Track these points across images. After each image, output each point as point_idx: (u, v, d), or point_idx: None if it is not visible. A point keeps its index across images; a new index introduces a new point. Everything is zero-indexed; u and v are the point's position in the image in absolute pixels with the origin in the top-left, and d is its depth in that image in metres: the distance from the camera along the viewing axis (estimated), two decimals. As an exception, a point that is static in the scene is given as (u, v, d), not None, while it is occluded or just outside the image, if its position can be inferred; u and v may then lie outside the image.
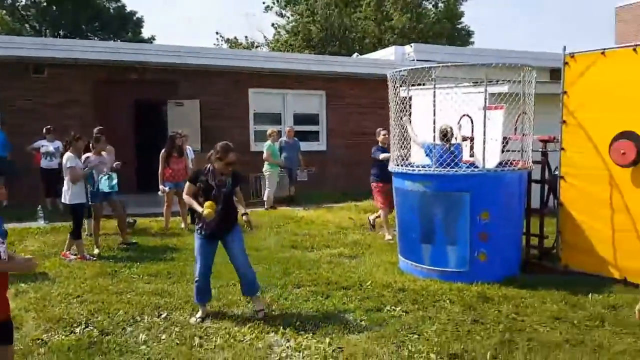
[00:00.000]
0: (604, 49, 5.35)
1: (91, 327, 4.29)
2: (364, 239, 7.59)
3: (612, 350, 3.75)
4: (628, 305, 4.60)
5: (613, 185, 5.26)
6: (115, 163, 7.58)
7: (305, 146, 12.02)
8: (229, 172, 4.40)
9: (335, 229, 8.38)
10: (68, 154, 6.57)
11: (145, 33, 30.96)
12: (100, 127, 8.25)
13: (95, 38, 27.84)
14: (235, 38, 30.21)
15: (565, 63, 5.68)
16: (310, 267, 6.03)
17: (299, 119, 13.32)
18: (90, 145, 6.99)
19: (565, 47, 5.71)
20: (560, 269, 5.73)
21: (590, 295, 4.89)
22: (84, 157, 6.84)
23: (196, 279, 4.50)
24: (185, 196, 4.51)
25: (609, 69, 5.28)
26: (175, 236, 7.86)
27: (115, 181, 6.96)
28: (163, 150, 8.31)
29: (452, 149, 5.69)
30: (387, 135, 9.01)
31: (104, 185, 6.83)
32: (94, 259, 6.49)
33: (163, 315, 4.57)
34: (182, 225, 8.50)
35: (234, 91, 12.62)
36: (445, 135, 5.76)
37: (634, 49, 5.06)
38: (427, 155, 5.90)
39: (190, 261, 6.31)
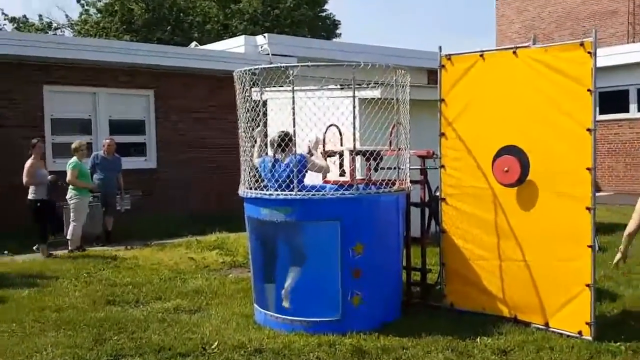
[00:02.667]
0: (482, 50, 5.89)
1: None
2: (208, 285, 7.49)
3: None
4: (519, 348, 5.06)
5: (498, 207, 5.78)
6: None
7: (127, 163, 11.74)
8: None
9: (169, 274, 8.20)
10: None
11: None
12: None
13: None
14: (24, 17, 28.15)
15: (442, 66, 6.15)
16: (135, 329, 5.75)
17: (118, 127, 13.01)
18: None
19: (440, 47, 6.18)
20: (446, 307, 6.15)
21: (479, 338, 5.29)
22: None
23: None
24: None
25: (489, 73, 5.82)
26: None
27: None
28: None
29: (287, 161, 5.73)
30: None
31: None
32: None
33: None
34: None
35: (21, 89, 11.78)
36: (274, 144, 5.81)
37: (514, 52, 5.65)
38: (261, 171, 5.93)
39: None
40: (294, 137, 5.76)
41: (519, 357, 4.90)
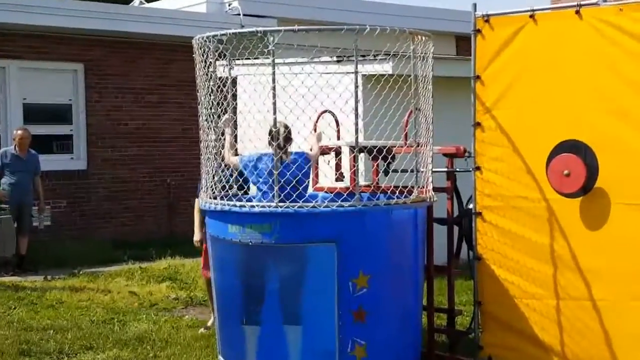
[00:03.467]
0: (534, 10, 5.80)
1: None
2: (157, 331, 7.58)
3: None
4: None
5: (554, 225, 5.69)
6: None
7: (48, 163, 11.87)
8: None
9: (104, 315, 8.27)
10: None
11: None
12: None
13: None
14: None
15: (478, 31, 6.06)
16: (55, 393, 5.72)
17: (35, 112, 13.07)
18: None
19: (475, 4, 6.10)
20: (482, 363, 6.09)
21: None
22: None
23: None
24: None
25: (542, 41, 5.75)
26: None
27: None
28: None
29: (289, 161, 5.84)
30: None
31: None
32: None
33: None
34: None
35: None
36: (277, 139, 5.81)
37: (577, 12, 5.55)
38: (248, 174, 6.02)
39: None
40: (276, 126, 5.73)
41: None
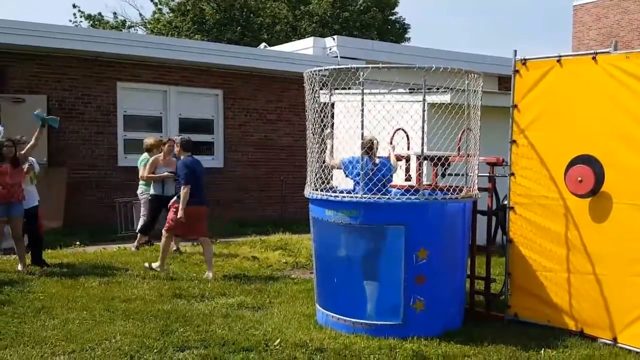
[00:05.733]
0: (560, 55, 5.85)
1: None
2: (271, 284, 7.66)
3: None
4: (585, 362, 5.04)
5: (569, 218, 5.74)
6: None
7: None
8: None
9: (233, 271, 8.39)
10: None
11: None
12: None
13: None
14: (99, 15, 29.40)
15: (516, 71, 6.14)
16: (200, 322, 5.96)
17: (187, 125, 13.29)
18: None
19: (516, 51, 6.17)
20: (509, 318, 6.15)
21: (542, 351, 5.28)
22: None
23: None
24: None
25: (566, 79, 5.79)
26: (7, 284, 7.41)
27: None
28: None
29: (379, 165, 5.97)
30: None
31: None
32: None
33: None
34: (19, 268, 8.09)
35: (96, 85, 12.31)
36: (371, 148, 6.02)
37: (594, 58, 5.60)
38: (346, 172, 6.15)
39: (29, 317, 6.02)
40: (363, 138, 5.84)
41: (584, 372, 4.88)
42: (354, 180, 6.11)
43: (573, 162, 5.67)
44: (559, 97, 5.84)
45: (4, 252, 8.84)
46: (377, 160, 6.06)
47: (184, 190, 7.84)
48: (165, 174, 9.41)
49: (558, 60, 5.85)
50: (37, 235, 8.35)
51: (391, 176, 6.15)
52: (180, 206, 7.86)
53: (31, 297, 6.75)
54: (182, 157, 8.22)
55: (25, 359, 4.93)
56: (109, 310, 6.31)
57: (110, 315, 6.15)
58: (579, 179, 5.61)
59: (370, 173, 5.74)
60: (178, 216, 7.88)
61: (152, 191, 9.50)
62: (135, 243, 9.92)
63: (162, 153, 9.64)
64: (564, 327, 5.78)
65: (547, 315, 5.91)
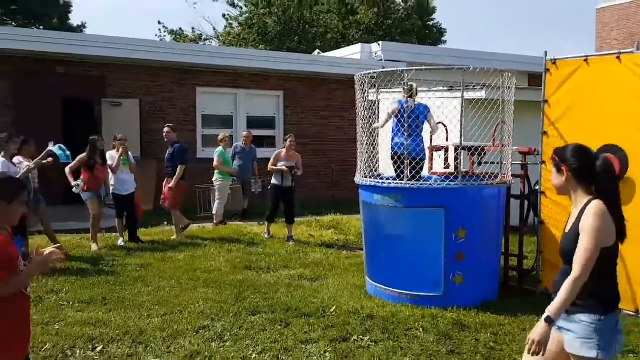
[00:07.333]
0: (587, 56, 5.60)
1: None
2: (326, 259, 7.63)
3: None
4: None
5: (595, 202, 5.45)
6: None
7: (261, 153, 11.92)
8: None
9: (294, 247, 8.39)
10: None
11: (74, 20, 30.14)
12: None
13: (13, 24, 26.79)
14: (180, 30, 29.84)
15: (547, 70, 5.90)
16: (267, 291, 6.00)
17: (253, 122, 13.36)
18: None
19: (546, 52, 5.95)
20: (540, 292, 5.91)
21: (572, 321, 5.06)
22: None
23: None
24: None
25: (592, 77, 5.52)
26: (110, 256, 7.61)
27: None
28: (84, 155, 8.11)
29: (417, 105, 6.00)
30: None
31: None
32: None
33: (98, 349, 4.41)
34: (120, 242, 8.30)
35: (179, 90, 12.50)
36: (411, 91, 5.96)
37: (618, 57, 5.32)
38: (400, 111, 6.07)
39: (129, 285, 6.16)
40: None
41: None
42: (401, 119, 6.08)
43: (599, 151, 5.26)
44: (586, 93, 5.59)
45: (105, 230, 9.09)
46: (416, 103, 6.04)
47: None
48: (282, 167, 8.88)
49: (585, 60, 5.62)
50: (133, 217, 8.52)
51: (425, 116, 6.11)
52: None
53: (129, 269, 6.91)
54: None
55: (126, 320, 5.03)
56: (193, 280, 6.43)
57: (193, 284, 6.25)
58: (606, 166, 5.31)
59: (409, 111, 5.82)
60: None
61: (273, 181, 9.06)
62: (266, 230, 9.36)
63: (285, 148, 9.14)
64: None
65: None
